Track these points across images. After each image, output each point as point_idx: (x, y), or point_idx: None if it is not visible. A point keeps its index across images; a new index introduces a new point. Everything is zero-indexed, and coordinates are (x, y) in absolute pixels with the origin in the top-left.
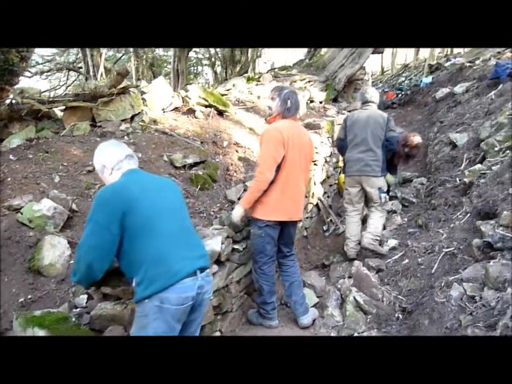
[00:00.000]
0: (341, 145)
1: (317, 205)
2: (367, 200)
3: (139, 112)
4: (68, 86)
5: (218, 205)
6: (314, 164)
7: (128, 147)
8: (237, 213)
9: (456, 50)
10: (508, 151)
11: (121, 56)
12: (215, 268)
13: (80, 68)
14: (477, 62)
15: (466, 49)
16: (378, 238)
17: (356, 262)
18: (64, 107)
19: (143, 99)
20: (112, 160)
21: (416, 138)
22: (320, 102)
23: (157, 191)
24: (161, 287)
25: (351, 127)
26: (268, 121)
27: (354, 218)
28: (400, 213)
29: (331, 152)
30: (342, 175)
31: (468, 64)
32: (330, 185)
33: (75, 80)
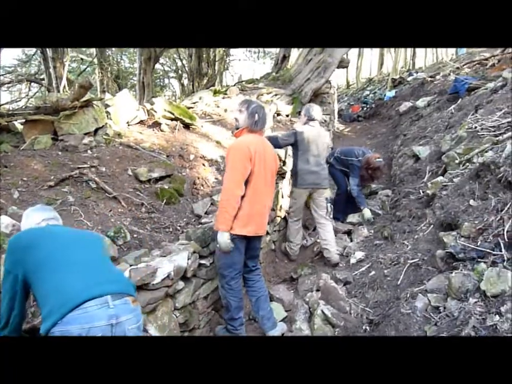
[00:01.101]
0: (285, 145)
1: (284, 218)
2: (314, 210)
3: (103, 126)
4: (30, 98)
5: (184, 219)
6: (282, 177)
7: (53, 211)
8: (222, 239)
9: (418, 64)
10: (467, 164)
11: (85, 68)
12: (181, 284)
13: (42, 79)
14: (438, 77)
15: (427, 64)
16: (335, 249)
17: (324, 275)
18: (24, 120)
19: (107, 112)
20: (29, 224)
21: (378, 161)
22: (287, 115)
23: (68, 235)
24: (60, 316)
25: (302, 142)
26: (234, 135)
27: (298, 225)
28: (367, 224)
29: None
30: None
31: (429, 79)
32: None
33: (37, 92)
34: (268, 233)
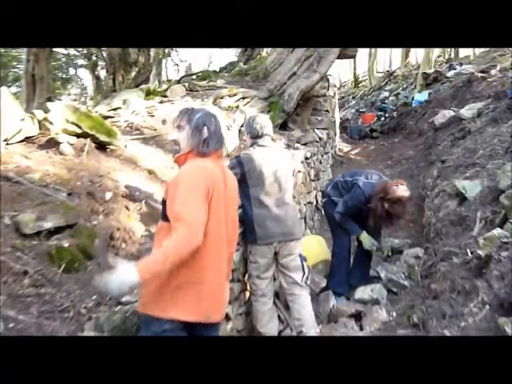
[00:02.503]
0: None
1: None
2: (282, 275)
3: None
4: None
5: (94, 297)
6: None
7: None
8: (127, 283)
9: (462, 52)
10: None
11: None
12: None
13: None
14: (493, 71)
15: (477, 52)
16: (318, 330)
17: None
18: None
19: None
20: None
21: (401, 189)
22: None
23: None
24: None
25: (252, 172)
26: (174, 160)
27: (268, 304)
28: (386, 304)
29: None
30: None
31: (480, 74)
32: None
33: None
34: (227, 317)
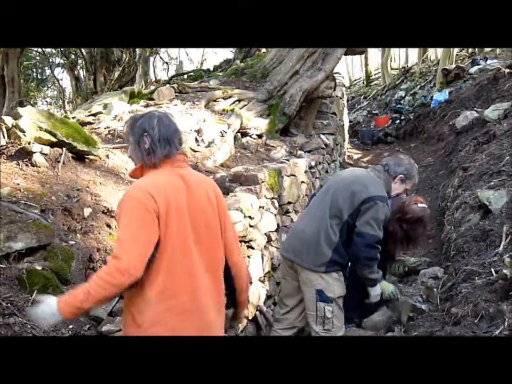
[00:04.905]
0: None
1: (254, 320)
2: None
3: None
4: None
5: (70, 326)
6: (249, 247)
7: None
8: (50, 321)
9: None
10: None
11: None
12: None
13: None
14: None
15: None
16: None
17: None
18: None
19: None
20: None
21: (420, 208)
22: (260, 136)
23: None
24: None
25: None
26: (129, 175)
27: (280, 333)
28: (405, 328)
29: (278, 225)
30: None
31: (507, 70)
32: (279, 283)
33: None
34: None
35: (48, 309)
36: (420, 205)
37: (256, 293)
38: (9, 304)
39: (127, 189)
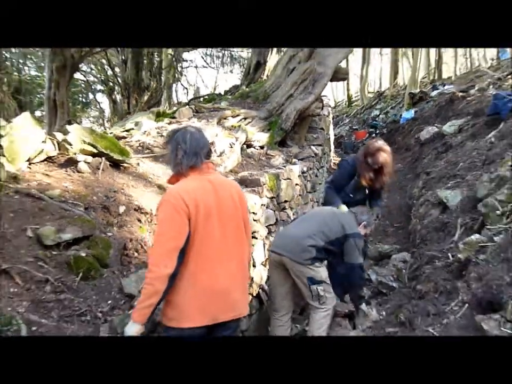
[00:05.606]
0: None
1: (258, 297)
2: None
3: None
4: None
5: (109, 302)
6: (253, 237)
7: None
8: (131, 330)
9: (445, 74)
10: None
11: None
12: None
13: None
14: (472, 91)
15: (458, 73)
16: None
17: None
18: None
19: None
20: None
21: (379, 142)
22: (262, 147)
23: None
24: None
25: None
26: (167, 182)
27: (281, 321)
28: (379, 302)
29: (277, 219)
30: None
31: (460, 94)
32: None
33: None
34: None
35: (129, 323)
36: (379, 141)
37: (259, 274)
38: (60, 284)
39: (163, 194)
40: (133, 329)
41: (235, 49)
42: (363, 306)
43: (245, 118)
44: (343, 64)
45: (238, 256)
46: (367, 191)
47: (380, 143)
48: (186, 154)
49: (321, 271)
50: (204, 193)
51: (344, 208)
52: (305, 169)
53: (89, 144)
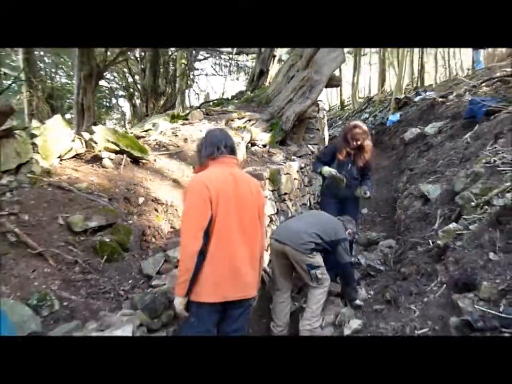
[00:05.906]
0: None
1: (261, 279)
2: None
3: (27, 161)
4: None
5: (130, 281)
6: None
7: None
8: (177, 304)
9: (427, 81)
10: (486, 207)
11: (9, 86)
12: None
13: None
14: (450, 97)
15: (439, 81)
16: (317, 323)
17: None
18: None
19: (33, 144)
20: None
21: (355, 121)
22: (264, 146)
23: None
24: None
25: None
26: (194, 171)
27: (282, 297)
28: (367, 283)
29: (277, 209)
30: None
31: (440, 99)
32: None
33: None
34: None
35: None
36: (355, 121)
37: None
38: (87, 265)
39: (190, 180)
40: (177, 301)
41: (241, 58)
42: (357, 301)
43: (250, 120)
44: (336, 73)
45: (252, 243)
46: (355, 171)
47: (356, 121)
48: (205, 147)
49: (318, 258)
50: (225, 183)
51: (326, 169)
52: (303, 165)
53: (112, 142)
